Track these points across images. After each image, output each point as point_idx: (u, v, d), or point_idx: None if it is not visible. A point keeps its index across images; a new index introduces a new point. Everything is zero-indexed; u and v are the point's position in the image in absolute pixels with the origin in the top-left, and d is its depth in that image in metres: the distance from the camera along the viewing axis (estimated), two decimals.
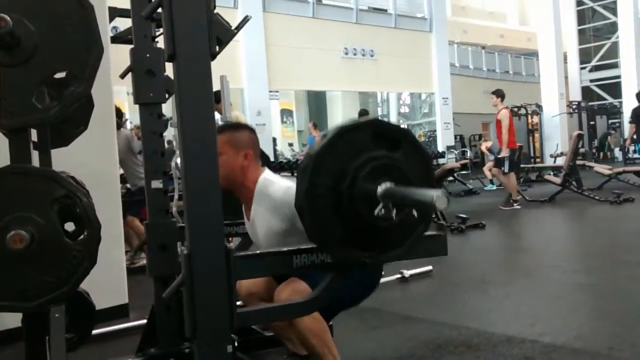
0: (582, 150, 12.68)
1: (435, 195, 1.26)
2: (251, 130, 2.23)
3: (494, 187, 11.81)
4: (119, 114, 5.19)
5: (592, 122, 17.95)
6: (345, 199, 1.45)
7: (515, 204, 8.12)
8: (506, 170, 8.04)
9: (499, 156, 8.22)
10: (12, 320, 2.77)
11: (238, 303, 1.64)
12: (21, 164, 1.79)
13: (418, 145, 1.58)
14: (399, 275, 4.10)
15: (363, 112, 8.93)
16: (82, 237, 1.77)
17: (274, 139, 13.06)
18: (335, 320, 2.29)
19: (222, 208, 1.45)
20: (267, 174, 2.18)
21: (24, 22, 1.71)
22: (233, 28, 2.85)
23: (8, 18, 1.62)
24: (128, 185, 5.49)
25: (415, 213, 1.48)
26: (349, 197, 1.44)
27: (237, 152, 2.12)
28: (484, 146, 12.22)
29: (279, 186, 2.10)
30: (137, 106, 2.45)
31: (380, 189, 1.40)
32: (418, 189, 1.37)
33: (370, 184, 1.43)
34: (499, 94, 8.33)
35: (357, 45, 14.55)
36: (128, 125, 8.63)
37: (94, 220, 1.77)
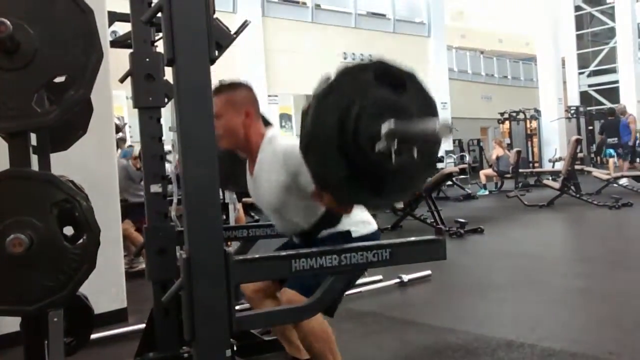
0: (580, 155, 12.73)
1: (437, 123, 1.23)
2: (248, 88, 2.18)
3: (487, 192, 11.83)
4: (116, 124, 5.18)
5: (590, 127, 17.95)
6: (350, 139, 1.43)
7: None
8: None
9: None
10: (10, 324, 2.77)
11: (237, 307, 1.63)
12: (20, 168, 1.79)
13: (424, 89, 1.55)
14: (397, 280, 4.09)
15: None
16: (81, 241, 1.77)
17: None
18: (333, 324, 2.28)
19: (220, 183, 1.44)
20: (275, 131, 2.16)
21: (24, 26, 1.71)
22: (232, 33, 2.86)
23: (8, 22, 1.63)
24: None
25: (415, 153, 1.44)
26: (353, 136, 1.42)
27: (238, 112, 2.08)
28: (494, 155, 12.25)
29: (286, 140, 2.08)
30: (136, 110, 2.45)
31: (385, 127, 1.39)
32: (420, 121, 1.35)
33: (375, 123, 1.40)
34: None
35: (356, 50, 14.57)
36: (127, 130, 8.62)
37: (93, 225, 1.77)
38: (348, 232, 2.10)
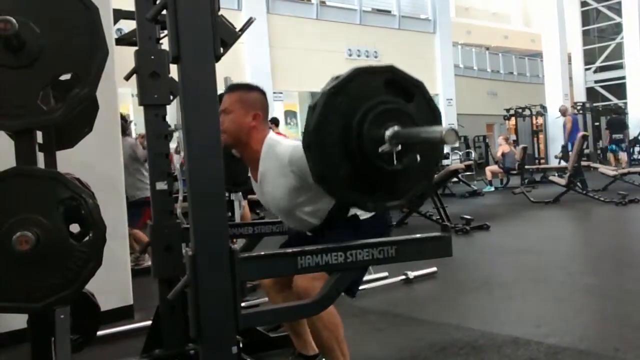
0: (586, 151, 12.69)
1: (444, 129, 1.25)
2: (262, 92, 2.22)
3: (492, 189, 11.80)
4: (124, 118, 5.17)
5: (596, 123, 17.86)
6: (353, 138, 1.44)
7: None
8: None
9: None
10: (17, 321, 2.78)
11: (243, 304, 1.64)
12: (27, 166, 1.80)
13: (430, 99, 1.58)
14: (403, 277, 4.09)
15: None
16: (87, 238, 1.77)
17: None
18: None
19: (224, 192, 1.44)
20: (272, 135, 2.18)
21: (30, 24, 1.71)
22: (237, 30, 2.86)
23: (14, 20, 1.63)
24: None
25: (418, 158, 1.46)
26: (357, 136, 1.44)
27: (247, 112, 2.11)
28: (500, 151, 12.23)
29: (286, 145, 2.10)
30: (141, 108, 2.46)
31: (389, 132, 1.40)
32: (426, 127, 1.38)
33: (380, 126, 1.42)
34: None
35: (361, 47, 14.54)
36: (133, 128, 8.65)
37: (99, 222, 1.77)
38: (355, 216, 2.12)
